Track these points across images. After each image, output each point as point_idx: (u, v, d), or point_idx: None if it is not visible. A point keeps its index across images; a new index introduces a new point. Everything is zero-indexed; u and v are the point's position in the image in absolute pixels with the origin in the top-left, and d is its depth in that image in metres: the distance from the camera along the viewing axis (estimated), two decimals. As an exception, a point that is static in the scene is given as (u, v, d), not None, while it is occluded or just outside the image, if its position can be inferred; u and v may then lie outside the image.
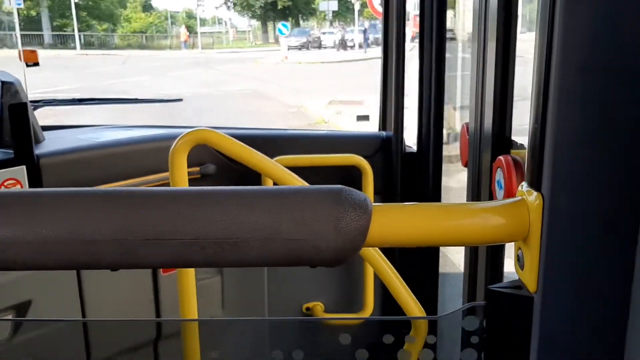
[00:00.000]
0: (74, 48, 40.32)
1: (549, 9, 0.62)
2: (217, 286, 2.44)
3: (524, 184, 0.71)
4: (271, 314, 2.56)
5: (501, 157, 1.42)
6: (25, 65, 2.19)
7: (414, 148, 2.46)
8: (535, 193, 0.67)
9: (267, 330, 2.34)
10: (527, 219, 0.67)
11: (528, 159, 0.69)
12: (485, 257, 1.33)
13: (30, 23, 41.68)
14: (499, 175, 1.43)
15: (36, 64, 2.30)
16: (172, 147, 1.59)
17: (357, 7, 30.41)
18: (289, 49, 29.11)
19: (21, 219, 0.61)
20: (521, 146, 1.49)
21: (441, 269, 2.33)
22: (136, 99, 2.89)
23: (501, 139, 1.52)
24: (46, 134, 2.18)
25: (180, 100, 2.87)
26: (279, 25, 30.71)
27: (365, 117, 2.58)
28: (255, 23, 55.84)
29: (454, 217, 0.67)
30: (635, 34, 0.61)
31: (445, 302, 2.31)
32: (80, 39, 41.62)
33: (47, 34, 41.98)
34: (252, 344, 1.40)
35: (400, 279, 1.63)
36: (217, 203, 0.62)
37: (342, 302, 2.63)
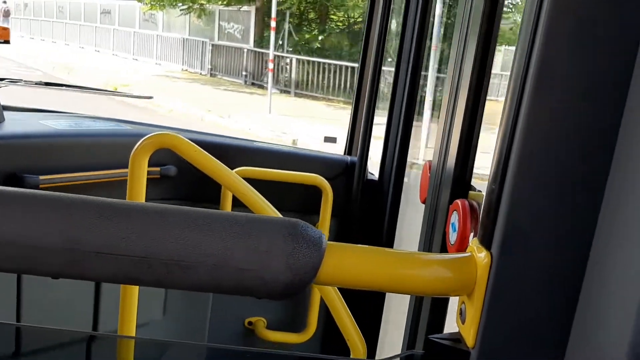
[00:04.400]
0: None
1: (520, 84, 0.64)
2: (160, 290, 2.41)
3: (476, 239, 0.72)
4: (212, 325, 2.53)
5: (458, 201, 1.44)
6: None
7: (376, 176, 2.48)
8: (485, 251, 0.68)
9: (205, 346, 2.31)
10: (474, 275, 0.69)
11: (483, 216, 0.71)
12: (429, 305, 1.36)
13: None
14: (454, 218, 1.46)
15: (7, 41, 2.24)
16: (134, 148, 1.57)
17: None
18: None
19: None
20: (479, 191, 1.52)
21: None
22: (106, 91, 2.84)
23: (461, 182, 1.55)
24: (9, 114, 2.13)
25: (150, 97, 2.84)
26: None
27: (332, 139, 2.60)
28: None
29: (403, 266, 0.68)
30: (594, 115, 0.63)
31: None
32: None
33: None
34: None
35: (346, 307, 1.64)
36: (171, 223, 0.61)
37: (286, 319, 2.62)
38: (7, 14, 32.67)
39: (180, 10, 19.54)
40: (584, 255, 0.66)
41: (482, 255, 0.68)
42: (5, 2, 34.41)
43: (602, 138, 0.64)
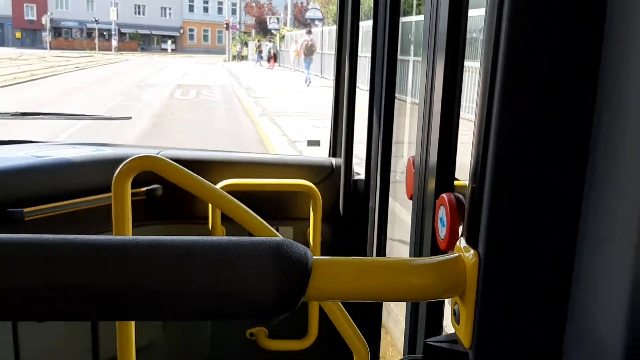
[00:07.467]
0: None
1: (489, 82, 0.64)
2: None
3: (462, 239, 0.72)
4: (214, 339, 2.52)
5: (444, 195, 1.44)
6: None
7: (363, 175, 2.48)
8: (472, 250, 0.68)
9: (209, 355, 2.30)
10: (464, 276, 0.68)
11: (467, 216, 0.71)
12: (426, 308, 1.35)
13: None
14: (441, 213, 1.46)
15: None
16: (115, 174, 1.55)
17: None
18: None
19: None
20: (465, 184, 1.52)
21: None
22: (83, 115, 2.82)
23: (445, 175, 1.55)
24: None
25: (129, 118, 2.82)
26: None
27: (316, 143, 2.60)
28: None
29: (392, 274, 0.68)
30: (567, 104, 0.63)
31: None
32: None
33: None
34: None
35: (344, 311, 1.63)
36: (154, 256, 0.61)
37: (287, 327, 2.61)
38: (310, 50, 22.14)
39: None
40: (571, 246, 0.66)
41: (469, 255, 0.68)
42: (310, 31, 23.30)
43: (577, 127, 0.64)
